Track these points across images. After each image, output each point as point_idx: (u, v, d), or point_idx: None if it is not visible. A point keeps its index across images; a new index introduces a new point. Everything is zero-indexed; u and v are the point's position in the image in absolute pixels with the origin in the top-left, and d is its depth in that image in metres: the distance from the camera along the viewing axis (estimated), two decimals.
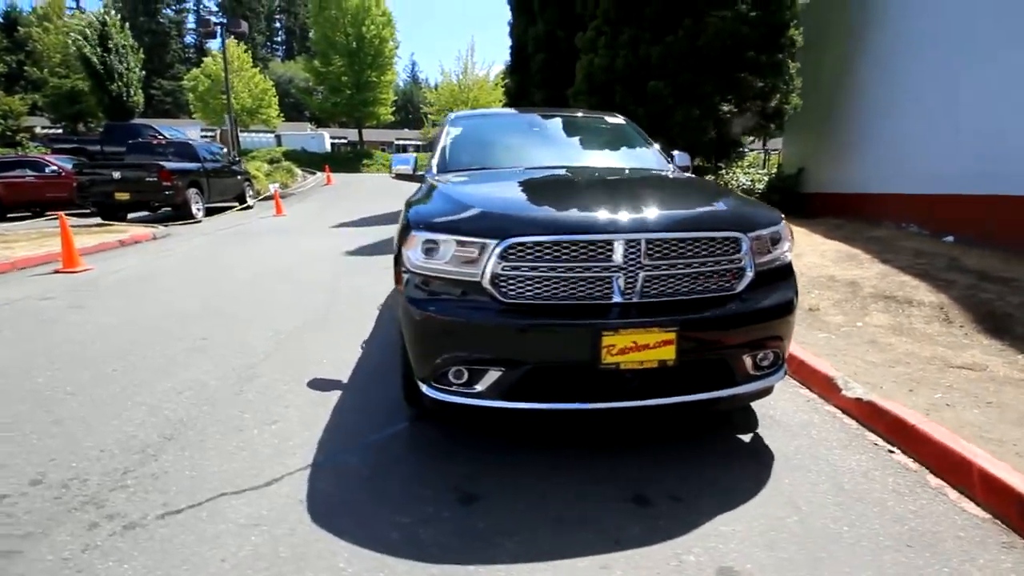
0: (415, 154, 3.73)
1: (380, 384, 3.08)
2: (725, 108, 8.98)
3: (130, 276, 6.14)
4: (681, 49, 8.68)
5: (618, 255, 2.00)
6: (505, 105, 17.45)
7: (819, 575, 1.62)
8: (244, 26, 16.86)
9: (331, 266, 6.65)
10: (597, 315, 2.00)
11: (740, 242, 2.11)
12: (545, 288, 2.02)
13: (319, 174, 22.35)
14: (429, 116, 39.54)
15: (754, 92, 9.08)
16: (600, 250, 2.00)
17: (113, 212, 10.60)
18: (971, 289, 4.13)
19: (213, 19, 15.21)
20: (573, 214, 2.14)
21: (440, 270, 2.12)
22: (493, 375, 2.06)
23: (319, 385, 3.08)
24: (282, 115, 37.47)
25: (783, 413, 2.68)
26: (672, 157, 3.61)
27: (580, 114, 4.17)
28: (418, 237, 2.17)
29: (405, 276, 2.23)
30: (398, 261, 2.32)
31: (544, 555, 1.70)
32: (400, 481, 2.14)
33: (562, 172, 3.03)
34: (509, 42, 15.79)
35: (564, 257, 2.00)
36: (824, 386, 2.86)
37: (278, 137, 39.78)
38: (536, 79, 13.39)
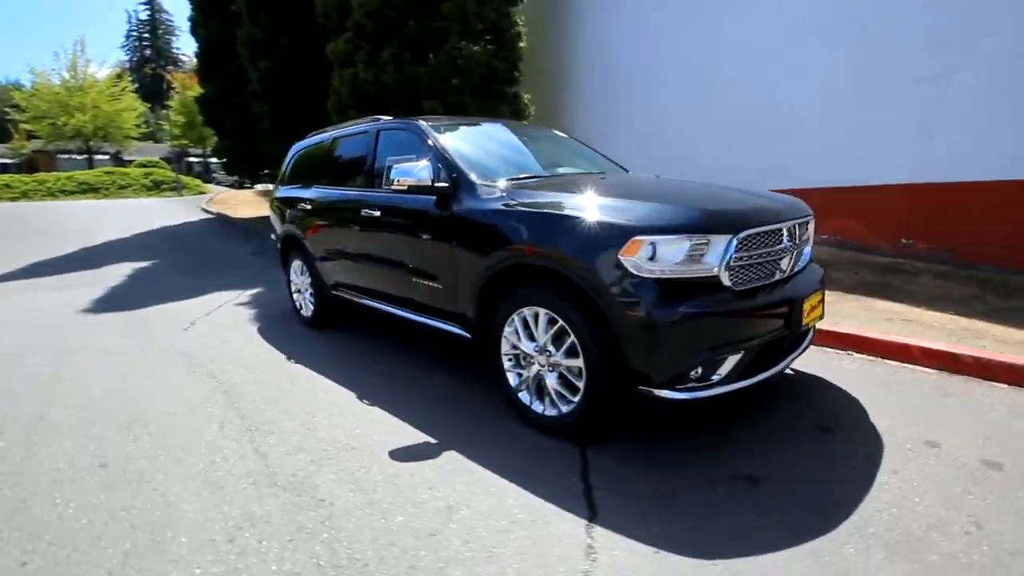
0: (425, 162, 3.03)
1: (472, 427, 2.62)
2: None
3: None
4: (448, 73, 9.27)
5: (786, 238, 2.44)
6: (202, 114, 14.59)
7: (951, 426, 2.47)
8: None
9: (111, 336, 4.62)
10: (783, 289, 2.40)
11: (812, 221, 2.85)
12: (751, 273, 2.30)
13: None
14: (21, 126, 28.86)
15: (501, 114, 10.47)
16: (781, 236, 2.40)
17: None
18: None
19: None
20: (766, 206, 2.46)
21: (670, 270, 2.11)
22: (732, 360, 2.21)
23: (404, 455, 2.39)
24: None
25: None
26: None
27: (530, 125, 4.26)
28: (643, 241, 2.10)
29: (621, 285, 2.11)
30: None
31: (863, 489, 2.03)
32: (682, 491, 2.04)
33: (639, 176, 3.17)
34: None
35: (765, 244, 2.32)
36: None
37: None
38: (259, 88, 11.75)
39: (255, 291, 6.38)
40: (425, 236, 3.04)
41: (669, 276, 2.11)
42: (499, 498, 2.06)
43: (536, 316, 2.47)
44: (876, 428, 2.48)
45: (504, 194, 2.69)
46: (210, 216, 15.82)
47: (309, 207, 4.26)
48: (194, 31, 13.41)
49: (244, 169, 14.08)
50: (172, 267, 8.13)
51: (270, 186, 14.25)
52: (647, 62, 9.30)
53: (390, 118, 3.85)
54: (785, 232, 2.44)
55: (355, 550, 1.80)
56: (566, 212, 2.35)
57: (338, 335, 4.36)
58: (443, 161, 3.01)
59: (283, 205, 4.85)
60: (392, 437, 2.59)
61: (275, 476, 2.28)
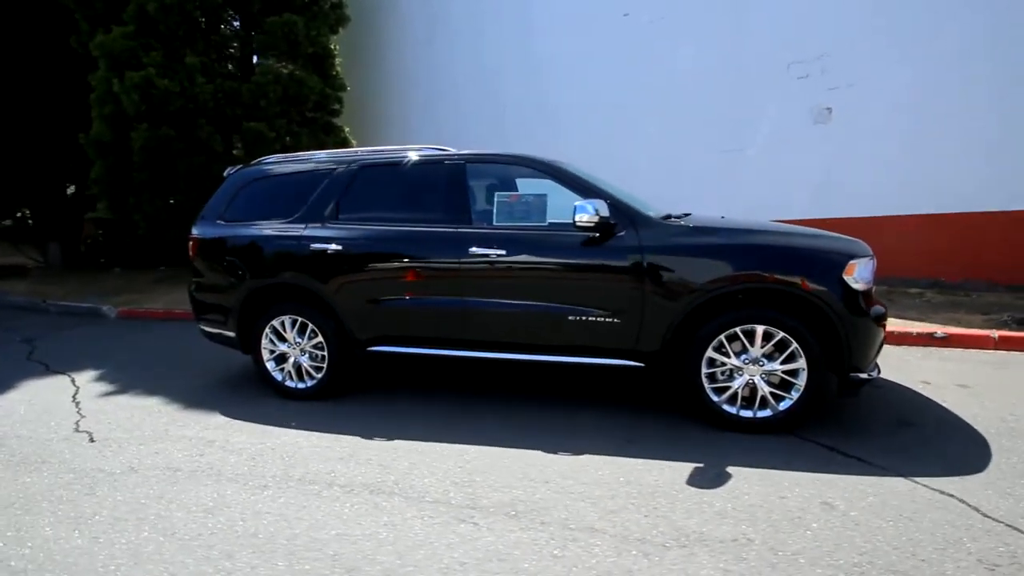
0: (596, 200, 2.84)
1: (700, 443, 2.83)
2: None
3: None
4: (276, 95, 8.04)
5: None
6: None
7: (917, 373, 3.92)
8: None
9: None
10: None
11: None
12: None
13: None
14: None
15: (326, 144, 9.63)
16: None
17: None
18: None
19: None
20: None
21: (861, 285, 2.88)
22: None
23: (701, 481, 2.47)
24: None
25: None
26: None
27: None
28: (856, 264, 2.82)
29: (847, 298, 2.77)
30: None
31: (947, 414, 3.17)
32: (888, 441, 2.79)
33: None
34: None
35: None
36: None
37: None
38: None
39: (96, 372, 4.46)
40: (599, 273, 3.05)
41: (861, 289, 2.89)
42: (835, 485, 2.40)
43: (750, 333, 2.89)
44: (892, 380, 3.78)
45: (694, 230, 3.02)
46: None
47: (338, 248, 3.43)
48: None
49: None
50: None
51: None
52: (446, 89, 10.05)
53: (441, 149, 3.53)
54: None
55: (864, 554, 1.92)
56: (793, 244, 2.92)
57: (368, 400, 3.62)
58: (609, 198, 3.08)
59: (243, 250, 3.70)
60: (654, 474, 2.55)
61: (684, 534, 2.06)
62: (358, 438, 3.07)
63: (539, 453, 2.82)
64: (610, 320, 3.06)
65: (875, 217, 6.64)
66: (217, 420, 3.41)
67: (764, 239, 2.96)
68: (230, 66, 8.53)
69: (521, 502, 2.35)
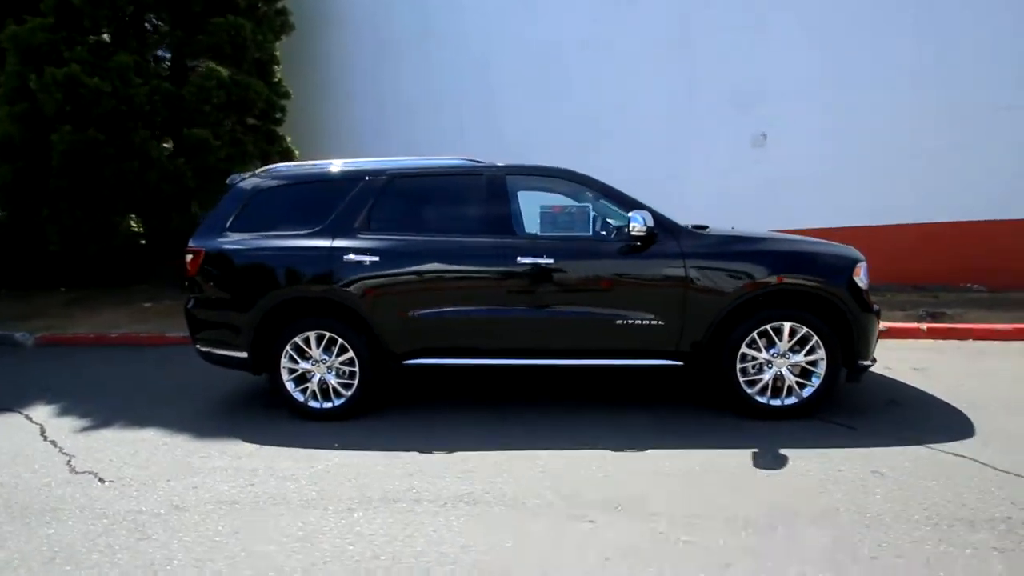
0: (642, 211, 2.95)
1: (738, 433, 3.10)
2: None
3: None
4: (220, 100, 7.46)
5: None
6: None
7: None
8: None
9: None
10: None
11: None
12: None
13: None
14: None
15: (269, 154, 9.08)
16: None
17: None
18: None
19: None
20: None
21: (865, 284, 3.33)
22: None
23: (768, 463, 2.72)
24: None
25: None
26: None
27: None
28: (861, 266, 3.26)
29: (856, 296, 3.20)
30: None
31: (921, 394, 3.72)
32: (886, 416, 3.24)
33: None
34: None
35: None
36: None
37: None
38: None
39: (53, 406, 3.95)
40: (645, 279, 3.24)
41: (865, 288, 3.34)
42: (874, 457, 2.75)
43: (778, 329, 3.23)
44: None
45: (728, 239, 3.32)
46: None
47: (375, 259, 3.31)
48: None
49: None
50: None
51: None
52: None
53: (475, 160, 3.57)
54: None
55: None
56: (813, 251, 3.31)
57: (392, 416, 3.54)
58: (650, 210, 3.28)
59: (262, 263, 3.46)
60: (719, 462, 2.77)
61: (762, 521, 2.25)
62: (415, 453, 2.98)
63: (607, 452, 2.93)
64: (655, 322, 3.27)
65: (804, 230, 7.57)
66: (244, 448, 3.13)
67: (788, 246, 3.34)
68: (152, 64, 7.79)
69: (622, 497, 2.45)
